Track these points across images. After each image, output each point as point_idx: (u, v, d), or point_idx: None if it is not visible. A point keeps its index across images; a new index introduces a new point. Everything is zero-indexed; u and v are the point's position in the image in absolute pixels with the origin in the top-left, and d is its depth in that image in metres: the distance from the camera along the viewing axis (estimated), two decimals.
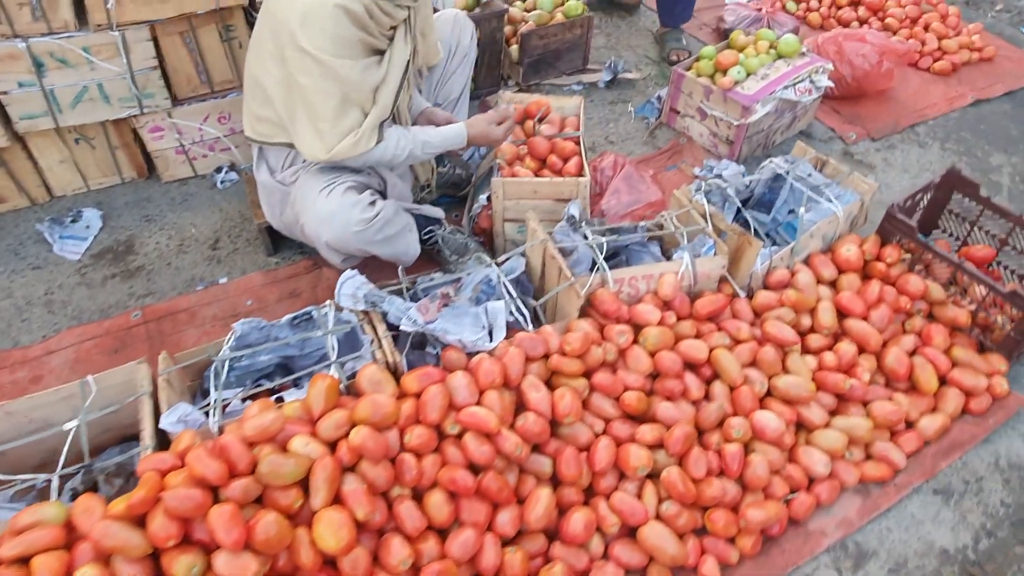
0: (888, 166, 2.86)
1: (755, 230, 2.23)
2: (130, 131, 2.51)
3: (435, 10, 2.78)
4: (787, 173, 2.34)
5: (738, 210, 2.46)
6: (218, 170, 2.65)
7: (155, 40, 2.32)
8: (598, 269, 1.96)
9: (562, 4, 3.17)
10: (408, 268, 2.26)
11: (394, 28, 1.95)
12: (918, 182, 2.78)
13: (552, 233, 2.11)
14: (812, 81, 2.78)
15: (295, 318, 1.88)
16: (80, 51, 2.21)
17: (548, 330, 1.84)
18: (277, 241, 2.38)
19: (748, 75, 2.76)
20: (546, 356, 1.81)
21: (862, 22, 3.49)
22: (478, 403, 1.67)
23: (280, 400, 1.71)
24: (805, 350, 2.03)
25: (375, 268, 2.15)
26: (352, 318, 1.85)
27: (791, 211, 2.39)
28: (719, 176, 2.71)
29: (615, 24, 3.61)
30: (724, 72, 2.77)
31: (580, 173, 2.27)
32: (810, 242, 2.19)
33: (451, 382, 1.68)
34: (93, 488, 1.66)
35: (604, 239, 2.05)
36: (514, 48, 3.06)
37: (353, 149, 1.85)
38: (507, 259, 2.06)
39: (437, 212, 2.29)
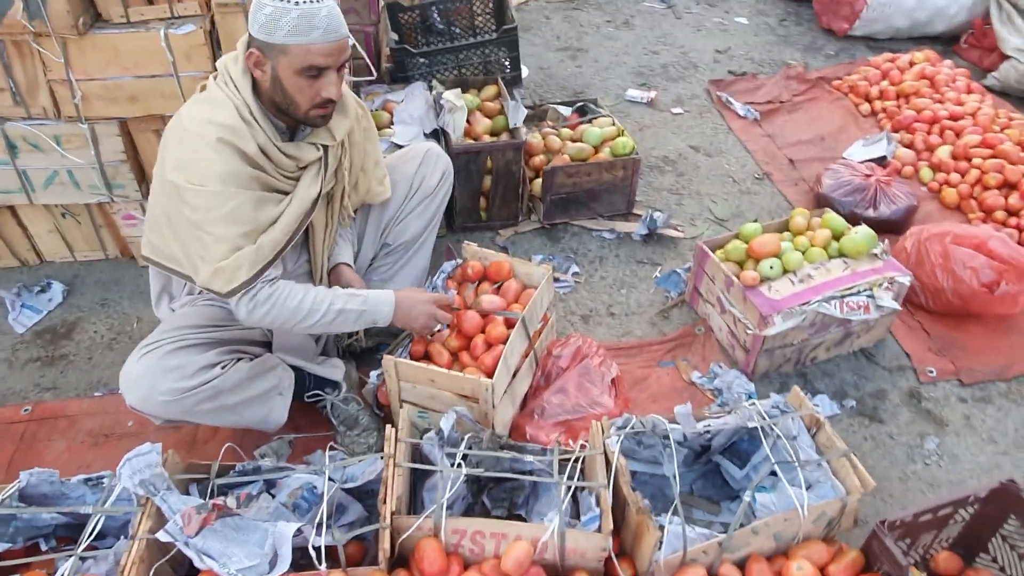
0: (968, 428, 2.09)
1: (676, 495, 1.64)
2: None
3: (439, 135, 2.55)
4: (769, 428, 1.75)
5: (700, 453, 1.90)
6: None
7: (129, 134, 2.30)
8: (431, 512, 1.56)
9: (614, 139, 2.77)
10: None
11: (304, 168, 1.73)
12: (1003, 464, 2.00)
13: (421, 443, 1.74)
14: (872, 296, 2.12)
15: (89, 479, 1.68)
16: (50, 139, 2.23)
17: None
18: None
19: (785, 272, 2.17)
20: None
21: (1011, 213, 2.67)
22: None
23: None
24: None
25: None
26: (134, 500, 1.61)
27: (774, 473, 1.79)
28: (722, 389, 2.17)
29: (694, 164, 3.11)
30: (757, 262, 2.20)
31: (492, 372, 1.86)
32: (752, 539, 1.59)
33: None
34: None
35: (464, 470, 1.64)
36: (538, 182, 2.70)
37: (212, 284, 1.62)
38: (357, 462, 1.72)
39: (333, 373, 2.00)
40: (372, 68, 2.44)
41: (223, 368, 1.71)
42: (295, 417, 2.09)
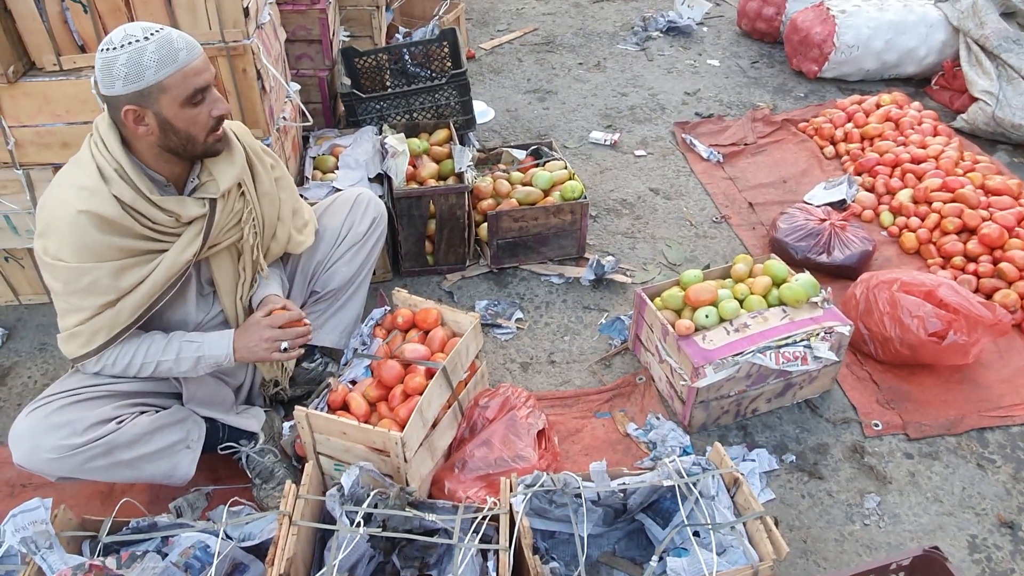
0: (912, 486, 2.00)
1: (581, 561, 1.58)
2: None
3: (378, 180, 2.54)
4: (686, 487, 1.68)
5: (620, 512, 1.82)
6: None
7: None
8: (321, 574, 1.49)
9: (563, 182, 2.73)
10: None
11: (187, 224, 1.69)
12: (946, 525, 1.90)
13: (326, 499, 1.68)
14: (810, 347, 2.05)
15: None
16: None
17: None
18: None
19: (721, 321, 2.11)
20: None
21: (970, 259, 2.59)
22: None
23: None
24: None
25: None
26: (17, 558, 1.56)
27: (696, 533, 1.71)
28: (659, 443, 2.10)
29: (652, 207, 3.07)
30: (694, 310, 2.14)
31: (404, 424, 1.81)
32: None
33: None
34: None
35: (362, 530, 1.58)
36: (484, 226, 2.67)
37: (65, 346, 1.64)
38: (256, 519, 1.67)
39: (249, 424, 1.96)
40: (307, 114, 2.43)
41: (120, 423, 1.67)
42: (216, 468, 2.05)
